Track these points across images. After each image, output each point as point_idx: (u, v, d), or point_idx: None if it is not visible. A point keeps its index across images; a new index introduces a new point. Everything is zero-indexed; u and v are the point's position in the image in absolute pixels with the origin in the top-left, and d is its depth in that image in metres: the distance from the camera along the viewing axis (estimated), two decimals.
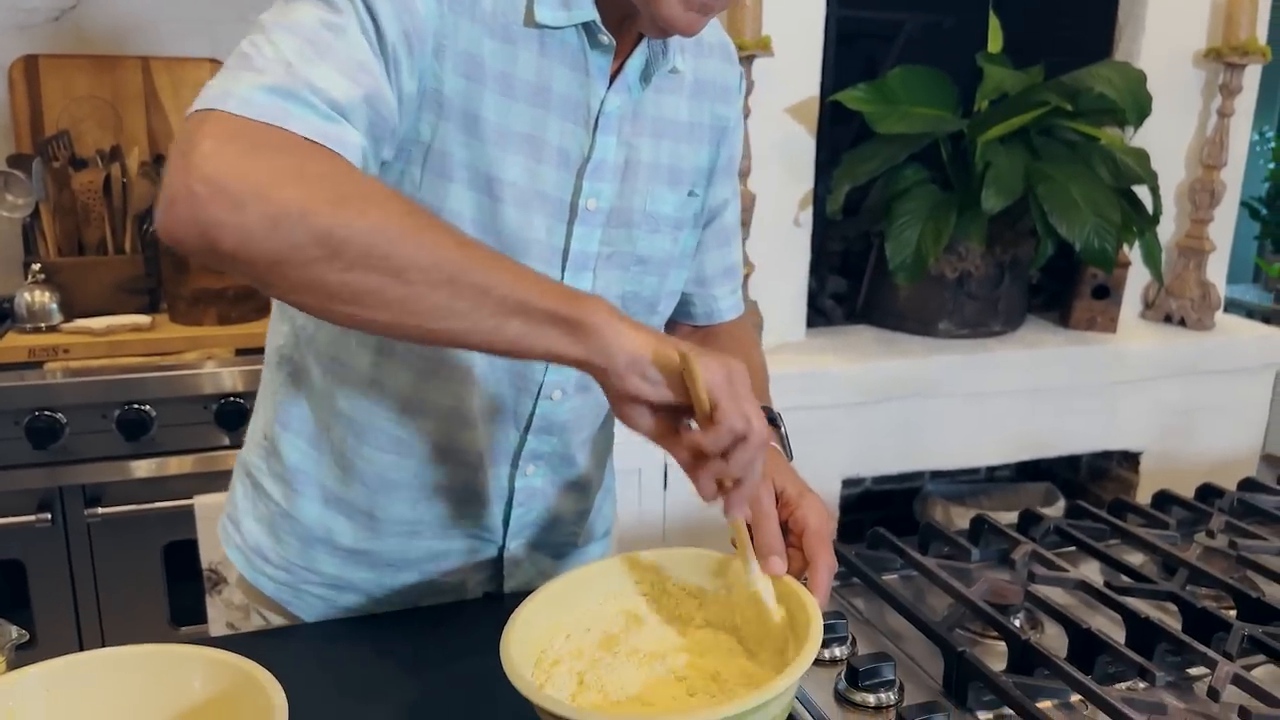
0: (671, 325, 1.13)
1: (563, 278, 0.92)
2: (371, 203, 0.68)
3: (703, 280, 1.09)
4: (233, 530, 1.09)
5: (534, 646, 0.82)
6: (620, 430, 1.06)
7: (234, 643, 0.87)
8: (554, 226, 0.90)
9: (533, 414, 0.97)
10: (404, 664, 0.95)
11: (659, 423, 0.76)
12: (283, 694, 0.68)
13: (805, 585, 0.81)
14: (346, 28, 0.73)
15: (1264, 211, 3.88)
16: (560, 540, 1.09)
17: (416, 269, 0.68)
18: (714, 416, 0.72)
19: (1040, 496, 2.43)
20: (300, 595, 1.05)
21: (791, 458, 0.94)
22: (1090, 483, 2.50)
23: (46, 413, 1.70)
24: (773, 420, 0.94)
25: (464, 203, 0.86)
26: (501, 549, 1.04)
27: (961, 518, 2.29)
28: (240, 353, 1.86)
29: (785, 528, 0.84)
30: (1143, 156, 2.07)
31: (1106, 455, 2.43)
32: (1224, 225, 2.36)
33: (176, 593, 1.88)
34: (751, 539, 0.84)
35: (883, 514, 2.46)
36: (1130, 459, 2.38)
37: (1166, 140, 2.24)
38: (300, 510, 1.01)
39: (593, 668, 0.82)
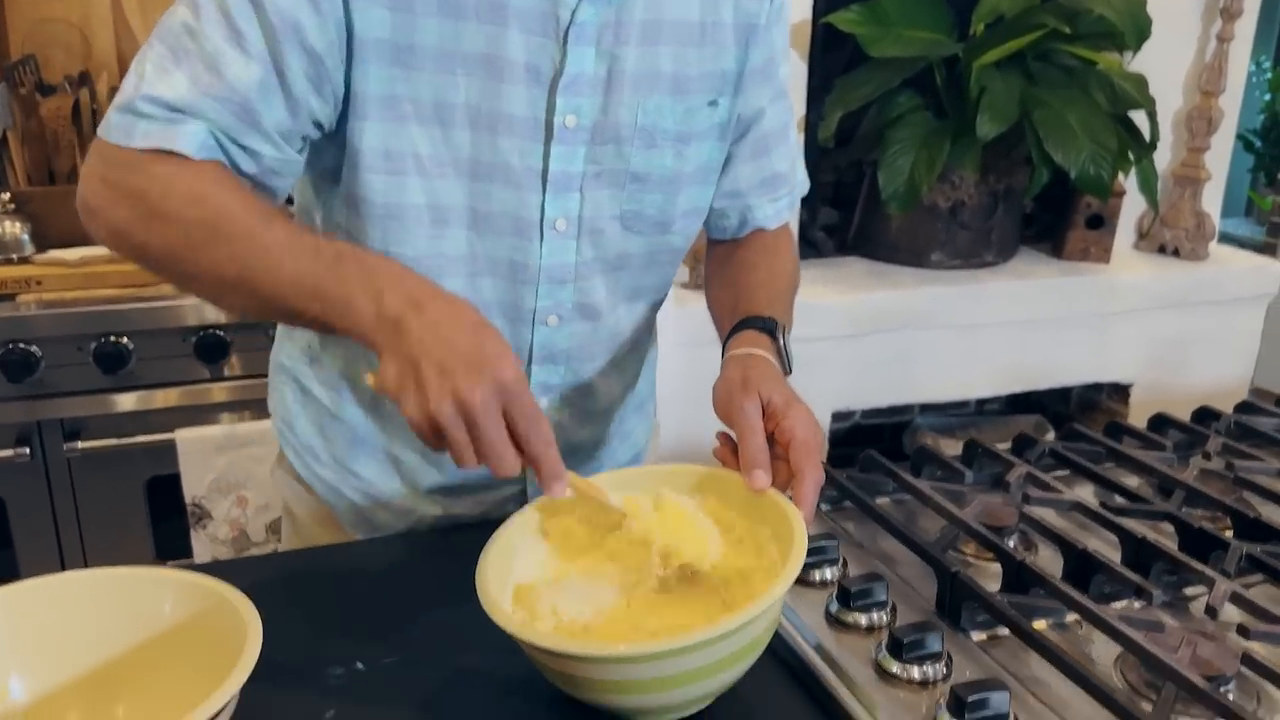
0: (709, 242, 1.10)
1: (544, 200, 0.88)
2: (170, 221, 0.77)
3: (737, 193, 1.03)
4: (287, 432, 1.08)
5: (513, 572, 0.80)
6: None
7: (211, 569, 0.85)
8: (527, 148, 0.87)
9: (532, 344, 0.94)
10: (393, 588, 0.93)
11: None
12: (257, 616, 0.66)
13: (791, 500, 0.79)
14: (203, 27, 0.78)
15: (1258, 144, 3.83)
16: (583, 466, 1.06)
17: (206, 280, 0.79)
18: None
19: (1030, 429, 2.41)
20: (343, 500, 1.05)
21: (789, 371, 0.91)
22: (1080, 415, 2.49)
23: (21, 345, 1.67)
24: (769, 329, 0.91)
25: (420, 140, 0.84)
26: (523, 479, 1.02)
27: (952, 450, 2.28)
28: None
29: (772, 440, 0.82)
30: (1141, 82, 2.03)
31: (1097, 388, 2.42)
32: (1220, 154, 2.32)
33: (161, 529, 1.86)
34: (735, 452, 0.82)
35: (873, 448, 2.45)
36: (1120, 391, 2.37)
37: (1164, 67, 2.19)
38: (345, 412, 1.01)
39: (565, 595, 0.80)
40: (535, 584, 0.80)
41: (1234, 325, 2.35)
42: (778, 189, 1.06)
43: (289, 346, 1.06)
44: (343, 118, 0.84)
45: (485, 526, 0.93)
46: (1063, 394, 2.49)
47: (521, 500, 1.04)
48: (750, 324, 0.92)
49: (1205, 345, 2.34)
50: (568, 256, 0.92)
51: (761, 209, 1.05)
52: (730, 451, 0.83)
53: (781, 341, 0.91)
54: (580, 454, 1.06)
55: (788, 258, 1.08)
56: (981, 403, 2.58)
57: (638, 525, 0.81)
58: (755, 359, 0.88)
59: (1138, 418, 2.32)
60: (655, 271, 0.99)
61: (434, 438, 0.71)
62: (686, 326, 1.59)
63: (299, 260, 0.75)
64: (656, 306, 1.05)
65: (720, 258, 1.07)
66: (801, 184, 1.11)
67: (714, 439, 0.86)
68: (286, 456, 1.08)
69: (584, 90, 0.87)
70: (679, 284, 1.93)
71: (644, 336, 1.05)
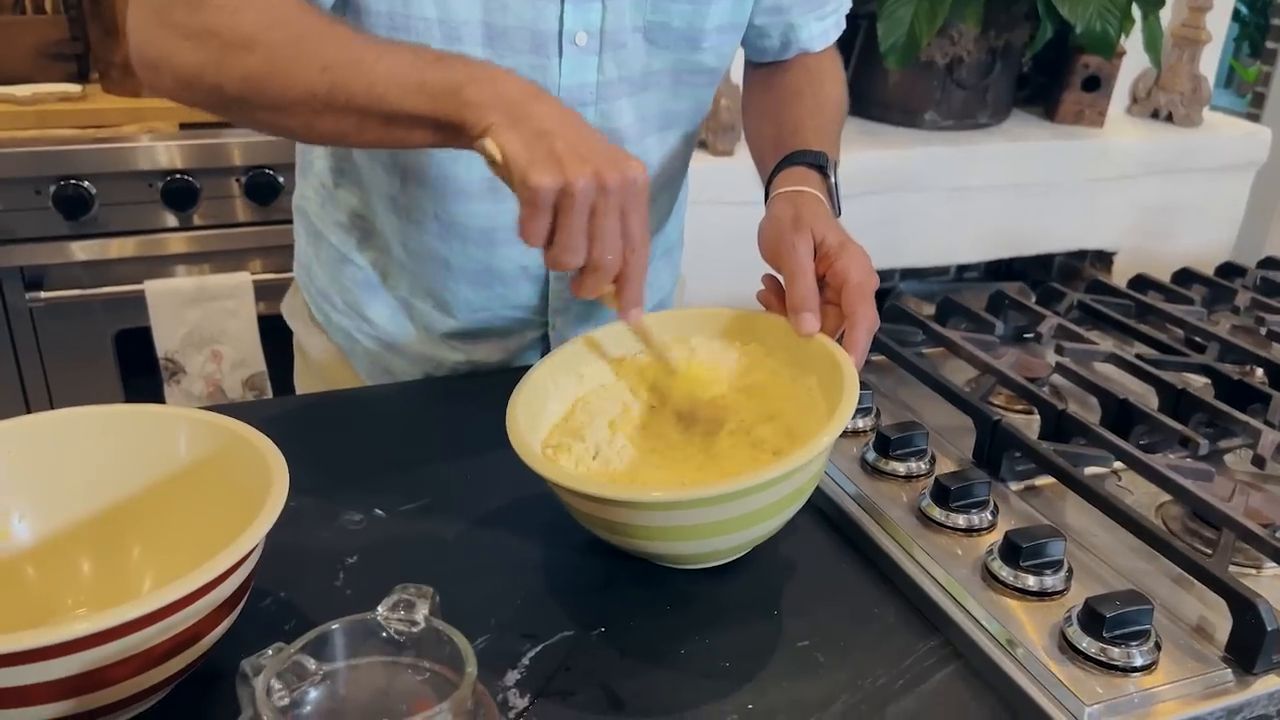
0: (747, 65, 1.02)
1: (563, 10, 0.81)
2: (251, 49, 0.70)
3: (779, 8, 0.95)
4: (306, 277, 1.03)
5: (545, 415, 0.76)
6: None
7: (221, 410, 0.80)
8: None
9: None
10: (412, 433, 0.89)
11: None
12: (281, 457, 0.61)
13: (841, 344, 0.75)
14: None
15: (1245, 11, 3.76)
16: (607, 312, 1.01)
17: (296, 105, 0.70)
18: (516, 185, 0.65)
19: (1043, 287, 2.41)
20: (357, 347, 1.01)
21: (839, 212, 0.86)
22: (1062, 283, 2.48)
23: None
24: (820, 165, 0.85)
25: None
26: (546, 326, 0.97)
27: None
28: (185, 127, 1.71)
29: (822, 282, 0.77)
30: None
31: (1080, 255, 2.40)
32: (1221, 14, 2.27)
33: (133, 384, 1.79)
34: (780, 295, 0.77)
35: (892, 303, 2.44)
36: (1104, 259, 2.36)
37: None
38: (358, 256, 0.97)
39: (606, 442, 0.77)
40: (569, 426, 0.76)
41: (1221, 193, 2.33)
42: (824, 4, 0.98)
43: (303, 186, 1.00)
44: None
45: (507, 374, 0.89)
46: (1044, 262, 2.48)
47: (543, 346, 0.99)
48: (798, 159, 0.86)
49: (1190, 213, 2.32)
50: (588, 75, 0.84)
51: (806, 27, 0.97)
52: (776, 295, 0.78)
53: (833, 179, 0.86)
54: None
55: (836, 85, 1.00)
56: (962, 270, 2.56)
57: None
58: (806, 196, 0.82)
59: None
60: (686, 95, 0.91)
61: (546, 215, 0.64)
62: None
63: (398, 58, 0.68)
64: (690, 141, 0.98)
65: (760, 85, 1.00)
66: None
67: (736, 300, 0.82)
68: (303, 297, 1.03)
69: None
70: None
71: (676, 173, 0.98)
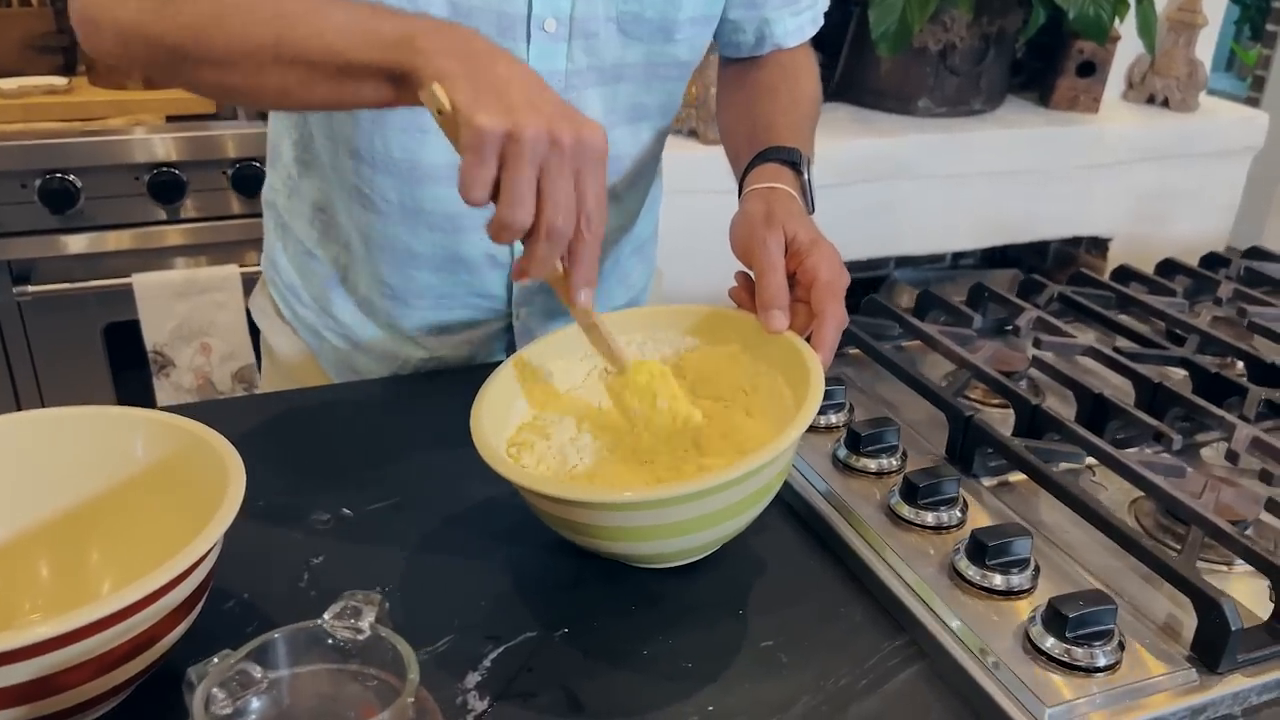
0: (721, 60, 1.01)
1: None
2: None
3: (754, 2, 0.94)
4: (272, 270, 1.02)
5: (513, 412, 0.76)
6: None
7: (186, 410, 0.80)
8: None
9: None
10: (366, 433, 0.88)
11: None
12: (238, 457, 0.61)
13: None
14: None
15: None
16: None
17: (241, 58, 0.67)
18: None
19: (1007, 283, 2.40)
20: (324, 344, 1.00)
21: (813, 210, 0.85)
22: (1056, 270, 2.47)
23: None
24: (793, 162, 0.84)
25: None
26: (510, 318, 0.96)
27: None
28: (172, 119, 1.71)
29: (792, 280, 0.76)
30: None
31: (1075, 242, 2.39)
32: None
33: (123, 378, 1.80)
34: (751, 293, 0.77)
35: (849, 303, 2.43)
36: (1099, 245, 2.35)
37: None
38: (321, 249, 0.96)
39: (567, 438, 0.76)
40: (535, 425, 0.76)
41: (1217, 179, 2.32)
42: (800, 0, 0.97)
43: (272, 177, 0.99)
44: None
45: (474, 371, 0.89)
46: (1039, 249, 2.46)
47: (508, 340, 0.98)
48: (771, 155, 0.86)
49: (1186, 200, 2.31)
50: (557, 63, 0.83)
51: (781, 23, 0.96)
52: (747, 292, 0.77)
53: (806, 176, 0.85)
54: None
55: (810, 81, 0.99)
56: (957, 257, 2.55)
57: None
58: (779, 193, 0.81)
59: None
60: (658, 88, 0.90)
61: (490, 162, 0.59)
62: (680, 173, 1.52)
63: (353, 11, 0.65)
64: (662, 135, 0.97)
65: (734, 80, 0.99)
66: None
67: (711, 293, 0.81)
68: (270, 293, 1.02)
69: None
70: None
71: (647, 168, 0.98)
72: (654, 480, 0.73)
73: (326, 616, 0.48)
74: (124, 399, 1.80)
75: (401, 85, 0.64)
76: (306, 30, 0.65)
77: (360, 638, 0.48)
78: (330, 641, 0.48)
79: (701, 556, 0.73)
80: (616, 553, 0.70)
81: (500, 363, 0.77)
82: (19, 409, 1.74)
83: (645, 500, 0.64)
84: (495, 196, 0.61)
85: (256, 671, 0.47)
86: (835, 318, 0.74)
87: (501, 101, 0.59)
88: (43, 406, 1.75)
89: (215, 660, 0.47)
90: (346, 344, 0.99)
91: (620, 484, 0.73)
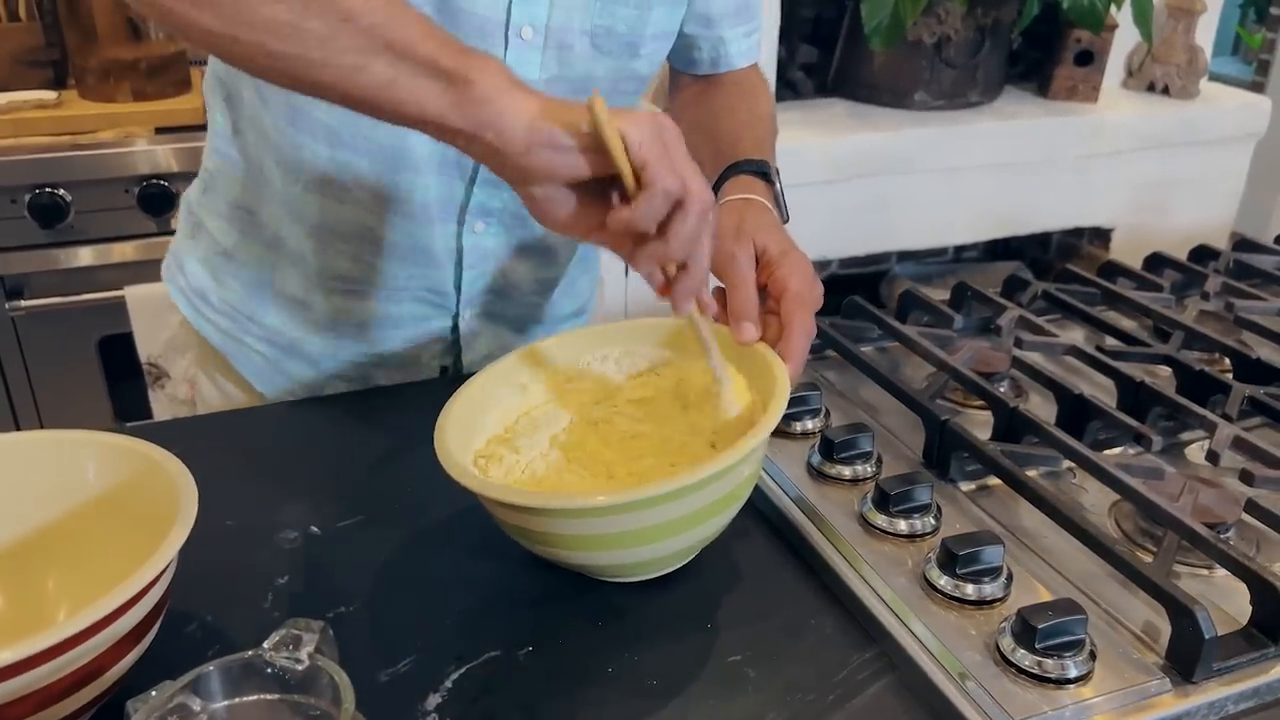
0: (674, 77, 1.02)
1: (512, 2, 0.79)
2: None
3: (709, 20, 0.95)
4: (176, 270, 1.01)
5: (483, 425, 0.75)
6: None
7: (146, 430, 0.79)
8: None
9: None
10: (335, 449, 0.88)
11: (581, 208, 0.64)
12: (190, 477, 0.60)
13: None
14: None
15: None
16: (520, 312, 1.00)
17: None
18: (641, 180, 0.61)
19: (1002, 278, 2.38)
20: (243, 349, 0.98)
21: (786, 219, 0.84)
22: (1060, 261, 2.44)
23: None
24: (765, 174, 0.84)
25: None
26: (456, 317, 0.95)
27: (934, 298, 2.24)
28: (161, 131, 1.71)
29: (764, 292, 0.76)
30: None
31: (1078, 233, 2.37)
32: None
33: (119, 390, 1.80)
34: (725, 305, 0.76)
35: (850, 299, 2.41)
36: (1102, 236, 2.32)
37: None
38: (240, 250, 0.93)
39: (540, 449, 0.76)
40: (507, 435, 0.75)
41: (1220, 166, 2.29)
42: (749, 19, 0.98)
43: (196, 180, 0.98)
44: None
45: (448, 382, 0.88)
46: (1042, 240, 2.44)
47: (452, 339, 0.98)
48: (742, 168, 0.85)
49: (1189, 188, 2.28)
50: (531, 71, 0.83)
51: (735, 42, 0.97)
52: (720, 305, 0.77)
53: (777, 186, 0.85)
54: (518, 297, 0.99)
55: (765, 100, 1.00)
56: (959, 250, 2.53)
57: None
58: (752, 205, 0.81)
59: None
60: (619, 101, 0.90)
61: (661, 210, 0.62)
62: None
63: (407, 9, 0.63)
64: None
65: (692, 101, 0.99)
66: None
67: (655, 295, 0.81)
68: (174, 299, 1.01)
69: None
70: None
71: None
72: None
73: (266, 646, 0.48)
74: (120, 411, 1.80)
75: (461, 93, 0.62)
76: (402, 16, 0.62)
77: (299, 667, 0.47)
78: (270, 671, 0.48)
79: (664, 571, 0.71)
80: (576, 563, 0.69)
81: (444, 370, 0.77)
82: (16, 425, 1.75)
83: (597, 506, 0.63)
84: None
85: (195, 704, 0.46)
86: (804, 328, 0.73)
87: (670, 159, 0.62)
88: (38, 418, 1.76)
89: (154, 693, 0.47)
90: (273, 349, 0.97)
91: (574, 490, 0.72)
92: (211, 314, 0.98)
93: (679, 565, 0.72)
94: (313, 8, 0.60)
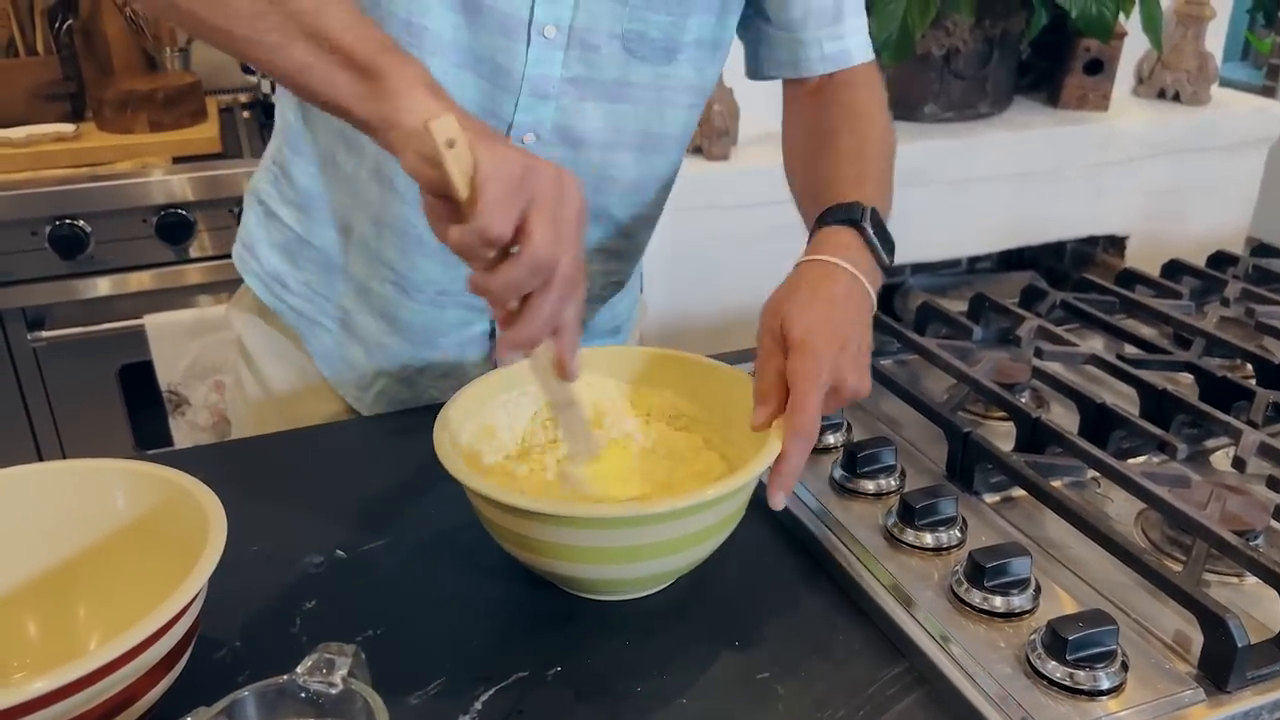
0: (784, 87, 0.97)
1: (535, 2, 0.80)
2: None
3: (785, 22, 0.90)
4: (249, 258, 1.01)
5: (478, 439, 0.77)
6: None
7: (171, 457, 0.80)
8: None
9: None
10: (355, 473, 0.88)
11: (458, 229, 0.62)
12: (219, 504, 0.60)
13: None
14: None
15: None
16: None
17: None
18: (471, 209, 0.60)
19: (1019, 288, 2.37)
20: (317, 329, 1.00)
21: (890, 261, 0.81)
22: (1075, 270, 2.44)
23: None
24: (854, 220, 0.79)
25: None
26: (495, 325, 0.96)
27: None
28: (178, 160, 1.72)
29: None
30: None
31: (1092, 241, 2.36)
32: None
33: (140, 418, 1.81)
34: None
35: None
36: (1116, 244, 2.32)
37: None
38: (315, 235, 0.95)
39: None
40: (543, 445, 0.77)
41: (1233, 172, 2.28)
42: (832, 21, 0.91)
43: (261, 171, 1.00)
44: None
45: None
46: (1056, 250, 2.44)
47: (490, 345, 0.98)
48: (829, 218, 0.81)
49: (1203, 194, 2.27)
50: (552, 69, 0.83)
51: (817, 45, 0.91)
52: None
53: (869, 232, 0.79)
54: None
55: (877, 115, 0.92)
56: (974, 261, 2.53)
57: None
58: (825, 271, 0.77)
59: None
60: (670, 115, 0.89)
61: (474, 246, 0.61)
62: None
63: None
64: (672, 169, 0.96)
65: (796, 115, 0.96)
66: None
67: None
68: (250, 287, 1.02)
69: None
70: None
71: (647, 199, 0.96)
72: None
73: (299, 670, 0.48)
74: (141, 439, 1.81)
75: (370, 83, 0.63)
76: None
77: (333, 691, 0.47)
78: (304, 695, 0.48)
79: (654, 589, 0.72)
80: (569, 576, 0.69)
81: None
82: (39, 454, 1.77)
83: (580, 516, 0.64)
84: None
85: None
86: (793, 458, 0.68)
87: (544, 217, 0.62)
88: (60, 447, 1.77)
89: (190, 719, 0.47)
90: (342, 330, 0.98)
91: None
92: (289, 297, 0.99)
93: (664, 586, 0.73)
94: None
